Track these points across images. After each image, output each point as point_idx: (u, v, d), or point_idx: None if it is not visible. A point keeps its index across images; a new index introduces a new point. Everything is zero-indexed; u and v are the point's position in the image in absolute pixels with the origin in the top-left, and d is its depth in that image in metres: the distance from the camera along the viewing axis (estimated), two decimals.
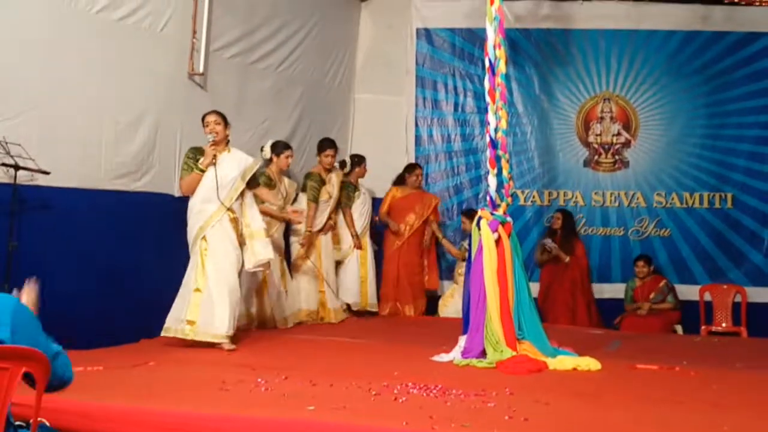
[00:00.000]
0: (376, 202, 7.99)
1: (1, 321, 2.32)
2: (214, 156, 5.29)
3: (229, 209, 5.32)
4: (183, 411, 3.38)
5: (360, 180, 7.69)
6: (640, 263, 7.76)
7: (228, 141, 5.44)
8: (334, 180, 7.09)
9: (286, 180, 6.83)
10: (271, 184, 6.42)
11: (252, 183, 5.52)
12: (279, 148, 6.54)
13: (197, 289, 5.18)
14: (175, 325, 5.20)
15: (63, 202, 5.08)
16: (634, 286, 7.73)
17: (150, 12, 5.73)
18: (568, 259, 7.78)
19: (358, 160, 7.64)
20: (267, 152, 6.50)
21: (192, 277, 5.23)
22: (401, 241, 7.84)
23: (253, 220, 5.51)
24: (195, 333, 5.14)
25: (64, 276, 5.03)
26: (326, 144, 7.11)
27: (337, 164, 7.24)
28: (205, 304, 5.15)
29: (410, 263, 7.87)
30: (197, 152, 5.36)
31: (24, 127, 4.81)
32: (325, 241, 7.07)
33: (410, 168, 8.04)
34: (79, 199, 5.23)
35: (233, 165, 5.36)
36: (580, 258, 7.87)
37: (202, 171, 5.28)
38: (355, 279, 7.52)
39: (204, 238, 5.25)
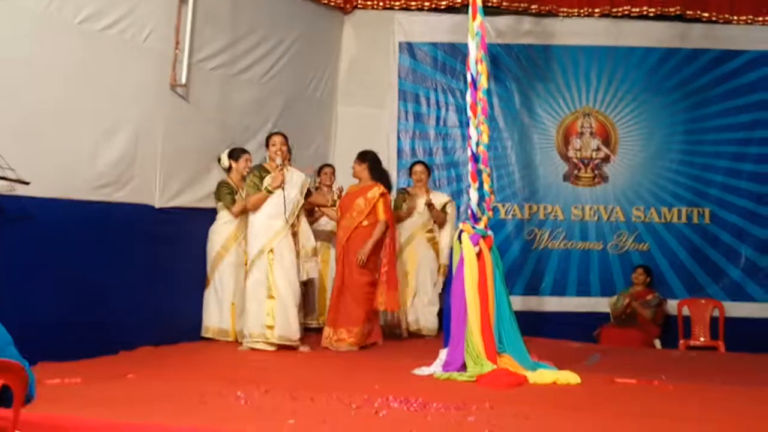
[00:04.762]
0: None
1: None
2: (283, 178, 5.82)
3: (291, 224, 5.94)
4: (161, 424, 3.36)
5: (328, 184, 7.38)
6: (639, 270, 7.80)
7: (289, 159, 6.04)
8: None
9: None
10: (231, 193, 6.37)
11: (307, 195, 6.11)
12: (236, 154, 6.48)
13: (271, 296, 5.78)
14: (259, 330, 5.75)
15: (43, 212, 5.03)
16: (627, 293, 7.72)
17: (133, 23, 5.71)
18: None
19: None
20: (225, 161, 6.46)
21: (263, 285, 5.80)
22: (346, 235, 6.30)
23: (308, 240, 6.21)
24: (273, 336, 5.75)
25: (42, 286, 4.99)
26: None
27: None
28: (279, 309, 5.77)
29: (353, 268, 6.23)
30: (262, 170, 5.93)
31: (3, 136, 4.76)
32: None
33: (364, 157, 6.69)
34: (58, 209, 5.18)
35: (293, 184, 5.93)
36: None
37: (270, 192, 5.82)
38: (314, 290, 7.01)
39: (272, 250, 5.82)
